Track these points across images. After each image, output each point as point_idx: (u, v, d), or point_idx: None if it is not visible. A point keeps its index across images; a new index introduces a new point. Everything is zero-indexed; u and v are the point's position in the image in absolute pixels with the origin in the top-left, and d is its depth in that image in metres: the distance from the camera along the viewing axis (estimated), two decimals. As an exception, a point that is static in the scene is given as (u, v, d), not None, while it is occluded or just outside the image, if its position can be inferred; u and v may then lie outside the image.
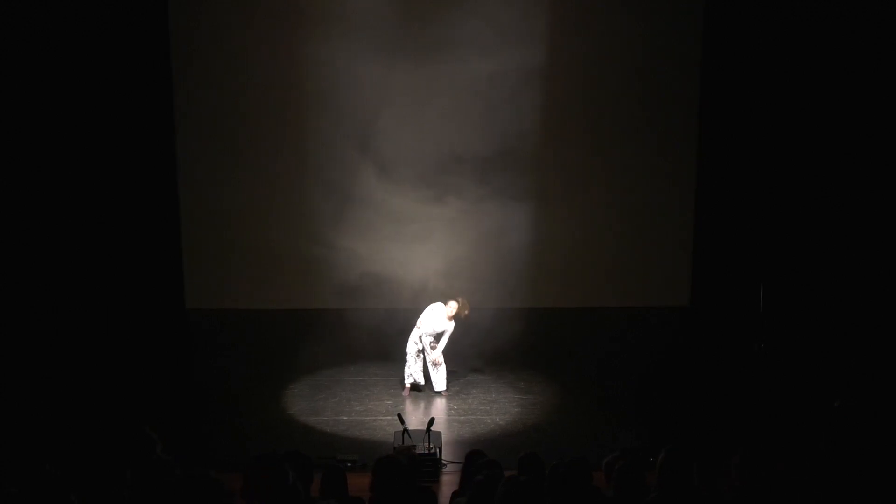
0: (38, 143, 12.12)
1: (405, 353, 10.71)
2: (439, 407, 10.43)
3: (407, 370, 10.72)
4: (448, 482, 8.24)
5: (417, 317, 10.75)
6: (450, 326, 10.64)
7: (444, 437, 9.13)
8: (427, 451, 8.45)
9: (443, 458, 8.69)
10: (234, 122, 13.37)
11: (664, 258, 13.84)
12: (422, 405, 10.52)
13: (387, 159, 13.03)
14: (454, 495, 6.35)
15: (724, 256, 13.27)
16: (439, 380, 10.71)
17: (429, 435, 8.58)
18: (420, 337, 10.65)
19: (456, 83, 12.96)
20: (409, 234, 12.97)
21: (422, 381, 10.72)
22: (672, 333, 13.05)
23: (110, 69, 12.47)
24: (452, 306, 10.62)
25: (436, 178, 12.95)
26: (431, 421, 8.74)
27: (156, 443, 5.86)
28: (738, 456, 5.43)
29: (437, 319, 10.66)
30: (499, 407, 10.45)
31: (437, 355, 10.63)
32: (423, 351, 10.64)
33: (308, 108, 13.28)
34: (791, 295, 12.48)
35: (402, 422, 8.72)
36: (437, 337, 10.64)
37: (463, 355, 11.61)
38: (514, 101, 12.74)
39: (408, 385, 10.71)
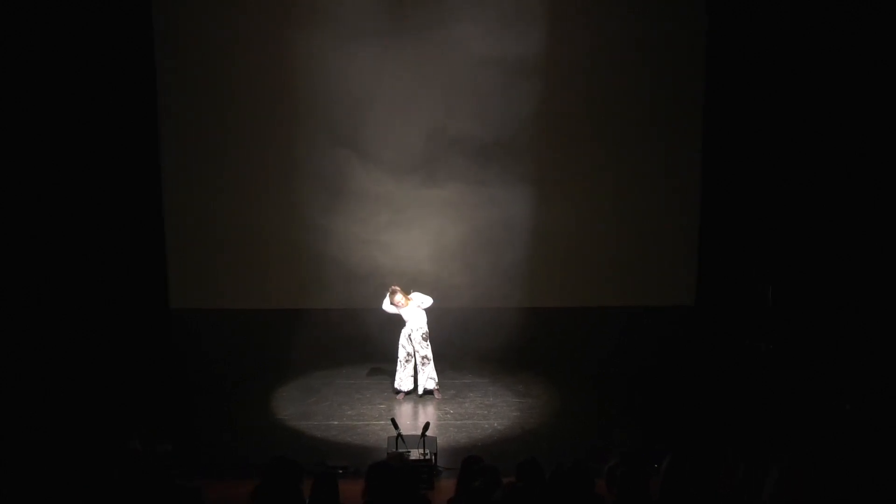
0: (20, 140, 12.11)
1: (396, 358, 10.75)
2: (434, 411, 10.45)
3: (398, 374, 10.75)
4: (444, 489, 8.23)
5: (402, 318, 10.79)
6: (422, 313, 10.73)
7: (439, 442, 9.06)
8: (422, 457, 8.47)
9: (438, 464, 8.70)
10: (218, 115, 13.57)
11: (668, 255, 13.89)
12: (416, 409, 10.53)
13: (379, 148, 13.06)
14: (450, 503, 6.38)
15: (730, 254, 13.34)
16: (426, 380, 10.72)
17: (424, 440, 8.59)
18: (409, 336, 10.69)
19: (451, 67, 13.01)
20: (402, 226, 13.01)
21: (409, 387, 10.76)
22: (676, 334, 13.07)
23: (92, 62, 12.47)
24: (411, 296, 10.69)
25: (428, 169, 13.06)
26: (426, 426, 8.73)
27: (140, 454, 5.91)
28: (775, 470, 5.45)
29: (417, 313, 10.74)
30: (496, 411, 10.42)
31: (427, 349, 10.65)
32: (412, 354, 10.67)
33: (296, 98, 13.38)
34: (800, 294, 12.52)
35: (396, 426, 8.70)
36: (426, 337, 10.67)
37: (459, 357, 11.65)
38: (512, 88, 12.85)
39: (397, 388, 10.72)
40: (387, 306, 10.72)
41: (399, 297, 10.63)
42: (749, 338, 11.96)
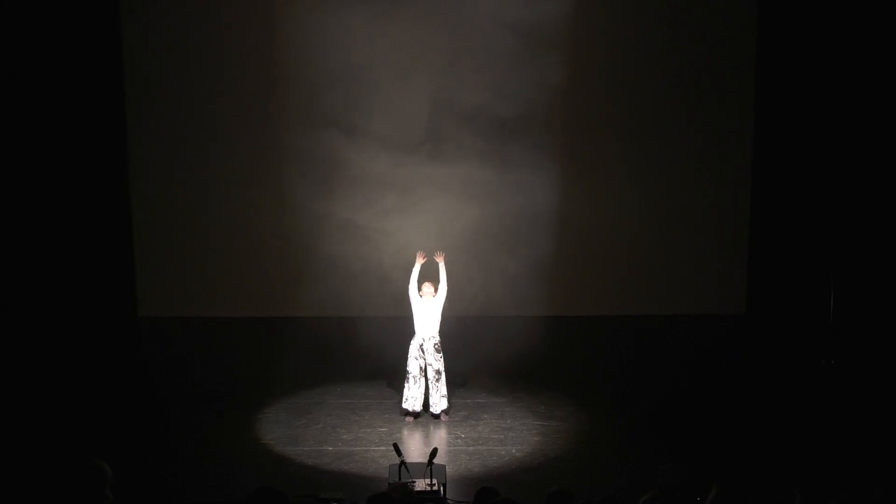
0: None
1: (405, 372, 10.77)
2: (444, 435, 10.45)
3: (406, 392, 10.81)
4: (453, 525, 8.31)
5: (411, 325, 10.79)
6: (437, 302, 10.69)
7: (448, 471, 9.08)
8: (428, 489, 8.51)
9: (447, 496, 8.74)
10: (190, 94, 13.46)
11: (715, 256, 13.88)
12: (422, 433, 10.51)
13: (375, 123, 13.00)
14: (461, 541, 6.41)
15: (786, 256, 13.34)
16: (439, 399, 10.78)
17: (431, 469, 8.60)
18: (422, 346, 10.73)
19: (461, 32, 13.00)
20: (405, 211, 12.94)
21: (420, 407, 10.79)
22: (723, 347, 13.12)
23: (49, 38, 12.46)
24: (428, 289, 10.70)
25: (433, 146, 13.02)
26: (434, 452, 8.76)
27: (106, 478, 6.01)
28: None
29: (429, 312, 10.71)
30: (514, 435, 10.43)
31: (440, 363, 10.67)
32: (424, 369, 10.70)
33: (279, 69, 13.29)
34: (865, 302, 12.50)
35: (399, 453, 8.72)
36: (439, 348, 10.70)
37: (470, 372, 11.68)
38: (534, 57, 12.72)
39: (408, 409, 10.77)
40: (413, 290, 10.64)
41: (428, 285, 10.61)
42: (816, 354, 11.95)
